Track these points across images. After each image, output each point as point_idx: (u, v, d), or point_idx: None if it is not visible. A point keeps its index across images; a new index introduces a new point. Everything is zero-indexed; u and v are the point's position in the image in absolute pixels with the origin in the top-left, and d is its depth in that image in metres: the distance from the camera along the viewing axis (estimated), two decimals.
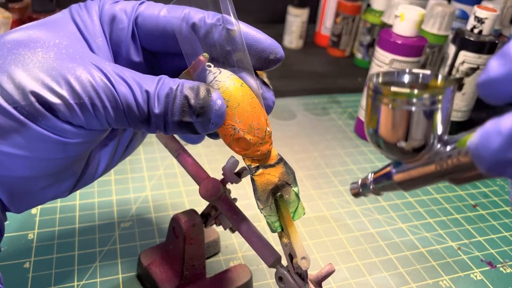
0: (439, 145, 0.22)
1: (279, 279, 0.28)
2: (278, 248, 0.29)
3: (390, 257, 0.44)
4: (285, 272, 0.28)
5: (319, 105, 0.71)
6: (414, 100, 0.21)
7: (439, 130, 0.22)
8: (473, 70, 0.60)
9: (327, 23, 0.91)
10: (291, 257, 0.27)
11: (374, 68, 0.58)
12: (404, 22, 0.54)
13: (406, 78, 0.22)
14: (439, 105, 0.21)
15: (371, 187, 0.26)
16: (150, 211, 0.46)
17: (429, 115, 0.21)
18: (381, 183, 0.25)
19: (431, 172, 0.22)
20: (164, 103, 0.23)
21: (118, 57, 0.27)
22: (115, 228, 0.43)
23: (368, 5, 0.84)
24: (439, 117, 0.21)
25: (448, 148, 0.21)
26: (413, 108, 0.21)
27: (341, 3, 0.85)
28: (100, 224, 0.43)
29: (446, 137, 0.22)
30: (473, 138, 0.17)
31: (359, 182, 0.27)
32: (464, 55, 0.59)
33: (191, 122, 0.23)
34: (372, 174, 0.26)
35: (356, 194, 0.27)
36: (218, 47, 0.26)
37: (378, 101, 0.22)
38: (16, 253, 0.39)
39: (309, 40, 0.94)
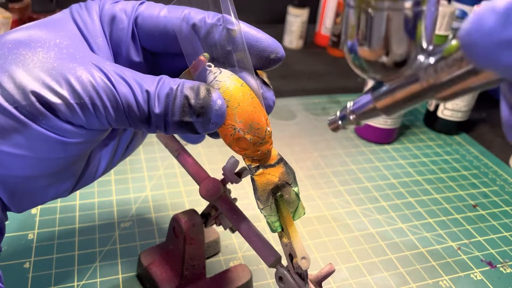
0: (422, 58, 0.20)
1: (279, 279, 0.28)
2: (278, 248, 0.29)
3: (390, 257, 0.44)
4: (285, 272, 0.28)
5: (319, 105, 0.71)
6: (395, 1, 0.19)
7: (423, 39, 0.20)
8: None
9: (327, 23, 0.91)
10: (291, 257, 0.27)
11: None
12: None
13: None
14: (424, 8, 0.19)
15: (351, 117, 0.24)
16: (150, 211, 0.46)
17: (412, 19, 0.19)
18: (362, 111, 0.24)
19: (417, 91, 0.20)
20: (165, 103, 0.23)
21: (118, 57, 0.27)
22: (115, 228, 0.43)
23: None
24: (423, 24, 0.19)
25: (432, 59, 0.19)
26: (396, 9, 0.19)
27: (341, 3, 0.85)
28: (100, 224, 0.43)
29: (430, 47, 0.20)
30: (464, 25, 0.16)
31: (338, 115, 0.25)
32: None
33: (191, 122, 0.23)
34: (352, 103, 0.24)
35: (335, 129, 0.26)
36: (219, 47, 0.26)
37: (356, 7, 0.20)
38: (16, 253, 0.39)
39: (309, 40, 0.94)
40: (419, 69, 0.20)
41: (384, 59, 0.20)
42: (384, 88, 0.22)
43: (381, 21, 0.19)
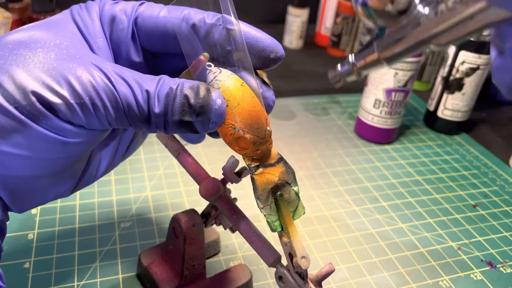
0: (421, 7, 0.23)
1: (279, 278, 0.28)
2: (278, 248, 0.29)
3: (390, 257, 0.44)
4: (285, 271, 0.28)
5: (319, 105, 0.71)
6: None
7: None
8: (473, 70, 0.60)
9: (327, 23, 0.91)
10: (291, 256, 0.27)
11: None
12: None
13: None
14: None
15: (354, 68, 0.26)
16: (150, 211, 0.46)
17: None
18: (365, 62, 0.26)
19: (418, 37, 0.23)
20: (164, 102, 0.23)
21: (118, 58, 0.27)
22: (115, 228, 0.43)
23: None
24: None
25: (430, 7, 0.22)
26: None
27: (341, 3, 0.85)
28: (100, 224, 0.44)
29: None
30: None
31: (338, 68, 0.27)
32: (464, 55, 0.59)
33: (191, 121, 0.23)
34: (353, 56, 0.26)
35: (336, 82, 0.28)
36: (218, 47, 0.26)
37: None
38: (16, 253, 0.39)
39: (309, 40, 0.94)
40: (420, 15, 0.22)
41: (389, 7, 0.23)
42: (386, 39, 0.24)
43: None
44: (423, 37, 0.23)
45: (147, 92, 0.23)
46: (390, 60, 0.25)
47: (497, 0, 0.17)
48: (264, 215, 0.26)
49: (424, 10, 0.22)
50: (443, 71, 0.63)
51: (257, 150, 0.25)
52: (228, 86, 0.24)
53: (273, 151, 0.26)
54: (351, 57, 0.27)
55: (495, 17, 0.19)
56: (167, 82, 0.23)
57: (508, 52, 0.19)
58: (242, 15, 0.27)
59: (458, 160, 0.61)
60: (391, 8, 0.23)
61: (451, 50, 0.61)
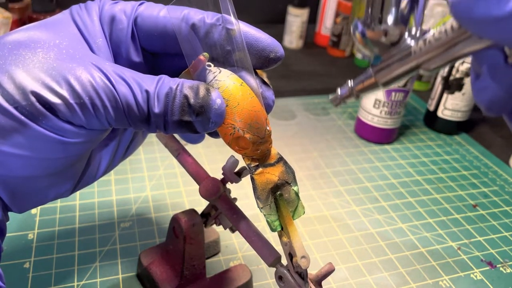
0: (410, 39, 0.26)
1: (279, 278, 0.28)
2: (278, 248, 0.29)
3: (390, 257, 0.44)
4: (285, 271, 0.28)
5: (319, 105, 0.71)
6: None
7: (413, 26, 0.26)
8: None
9: (327, 23, 0.91)
10: (291, 256, 0.27)
11: None
12: None
13: None
14: (415, 5, 0.26)
15: (353, 91, 0.29)
16: (150, 211, 0.46)
17: (407, 12, 0.26)
18: (363, 86, 0.29)
19: (411, 63, 0.26)
20: (164, 102, 0.23)
21: (118, 57, 0.27)
22: (115, 228, 0.43)
23: None
24: (414, 15, 0.26)
25: (421, 39, 0.25)
26: None
27: (341, 3, 0.85)
28: (100, 224, 0.44)
29: (418, 33, 0.26)
30: None
31: (339, 92, 0.30)
32: None
33: (190, 121, 0.23)
34: (352, 81, 0.29)
35: (337, 104, 0.30)
36: (218, 47, 0.26)
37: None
38: (16, 253, 0.39)
39: (309, 40, 0.94)
40: (409, 46, 0.25)
41: (383, 39, 0.27)
42: (382, 65, 0.27)
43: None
44: (414, 64, 0.26)
45: (147, 92, 0.23)
46: (386, 84, 0.28)
47: (477, 30, 0.18)
48: (264, 215, 0.26)
49: (411, 42, 0.26)
50: (443, 71, 0.63)
51: (257, 150, 0.25)
52: (228, 86, 0.24)
53: (273, 151, 0.26)
54: (350, 82, 0.30)
55: (477, 45, 0.21)
56: (167, 82, 0.23)
57: (484, 74, 0.21)
58: (242, 15, 0.27)
59: (458, 160, 0.61)
60: (385, 40, 0.27)
61: None
